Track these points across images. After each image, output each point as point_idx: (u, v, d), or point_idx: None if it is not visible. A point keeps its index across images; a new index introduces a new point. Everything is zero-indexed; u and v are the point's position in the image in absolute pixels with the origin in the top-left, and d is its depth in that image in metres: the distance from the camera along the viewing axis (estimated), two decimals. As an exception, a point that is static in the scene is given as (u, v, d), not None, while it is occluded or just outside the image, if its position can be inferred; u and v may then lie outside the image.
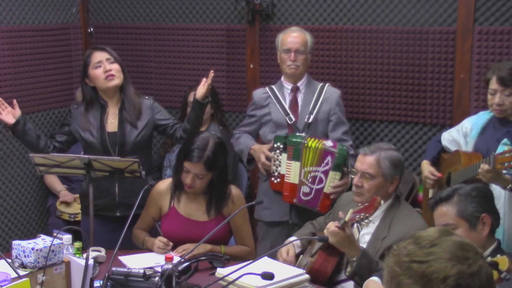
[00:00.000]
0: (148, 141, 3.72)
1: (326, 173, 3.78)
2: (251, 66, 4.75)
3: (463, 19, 4.09)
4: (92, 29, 5.20)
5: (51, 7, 4.90)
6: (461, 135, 3.59)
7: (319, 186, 3.79)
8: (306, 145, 3.78)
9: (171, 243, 3.23)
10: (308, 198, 3.83)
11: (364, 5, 4.37)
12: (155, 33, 5.07)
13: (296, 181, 3.84)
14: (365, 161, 3.09)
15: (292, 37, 3.97)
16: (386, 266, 1.73)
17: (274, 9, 4.63)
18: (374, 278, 2.70)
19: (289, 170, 3.85)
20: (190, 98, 4.50)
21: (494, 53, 4.04)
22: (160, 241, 3.23)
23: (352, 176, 3.16)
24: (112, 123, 3.65)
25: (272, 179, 3.93)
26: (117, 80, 3.60)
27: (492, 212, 2.66)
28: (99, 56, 3.60)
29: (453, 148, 3.62)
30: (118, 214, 3.63)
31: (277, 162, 3.89)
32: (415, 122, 4.34)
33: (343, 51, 4.46)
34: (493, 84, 3.37)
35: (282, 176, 3.89)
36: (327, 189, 3.77)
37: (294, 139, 3.83)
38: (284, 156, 3.86)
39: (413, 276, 1.64)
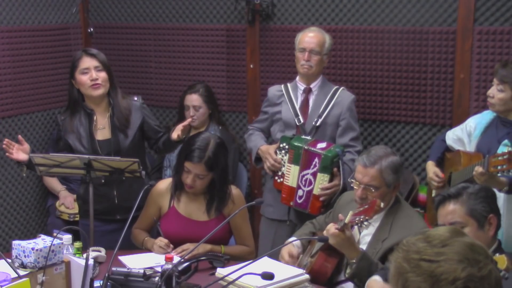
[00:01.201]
0: (141, 142, 3.71)
1: (314, 174, 3.77)
2: (251, 66, 4.75)
3: (463, 19, 4.09)
4: (92, 29, 5.20)
5: (51, 7, 4.90)
6: (465, 134, 3.59)
7: (309, 188, 3.79)
8: (307, 150, 3.76)
9: (171, 246, 3.23)
10: (301, 200, 3.83)
11: (364, 5, 4.37)
12: (155, 33, 5.07)
13: (294, 185, 3.84)
14: (367, 173, 3.01)
15: (309, 37, 3.95)
16: (393, 260, 1.71)
17: (274, 9, 4.63)
18: (376, 278, 2.69)
19: (289, 173, 3.85)
20: (187, 101, 4.52)
21: (494, 53, 4.04)
22: (161, 241, 3.23)
23: (354, 187, 3.09)
24: (102, 131, 3.62)
25: (276, 177, 3.94)
26: (102, 90, 3.58)
27: (498, 213, 2.66)
28: (88, 62, 3.56)
29: (457, 147, 3.62)
30: (118, 217, 3.62)
31: (282, 162, 3.89)
32: (415, 122, 4.34)
33: (343, 51, 4.46)
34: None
35: (284, 176, 3.90)
36: (316, 191, 3.76)
37: (295, 143, 3.81)
38: (287, 157, 3.87)
39: (421, 275, 1.64)
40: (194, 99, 4.50)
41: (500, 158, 3.05)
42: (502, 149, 3.29)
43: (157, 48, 5.07)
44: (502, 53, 4.02)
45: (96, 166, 3.32)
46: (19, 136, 3.50)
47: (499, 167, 3.05)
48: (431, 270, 1.63)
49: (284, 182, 3.87)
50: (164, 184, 3.45)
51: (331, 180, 3.74)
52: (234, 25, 4.79)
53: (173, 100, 5.02)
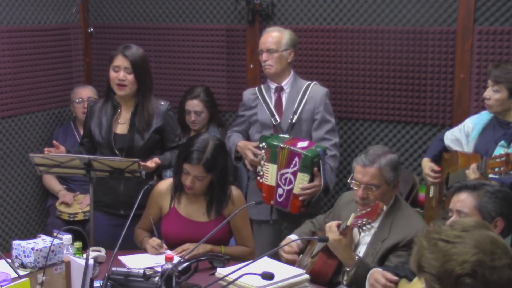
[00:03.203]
0: (157, 144, 3.72)
1: (294, 174, 3.76)
2: (251, 66, 4.75)
3: (463, 19, 4.09)
4: (92, 29, 5.20)
5: (51, 7, 4.90)
6: (463, 135, 3.60)
7: (289, 187, 3.79)
8: (283, 148, 3.76)
9: (165, 246, 3.24)
10: (281, 199, 3.83)
11: (364, 5, 4.37)
12: (155, 33, 5.06)
13: (273, 183, 3.84)
14: (367, 173, 2.99)
15: (263, 38, 3.99)
16: (417, 239, 1.82)
17: (274, 9, 4.63)
18: (378, 269, 2.72)
19: (267, 172, 3.86)
20: (188, 106, 4.51)
21: (494, 53, 4.04)
22: (154, 241, 3.23)
23: (354, 188, 3.07)
24: (122, 126, 3.67)
25: (258, 177, 3.94)
26: (127, 91, 3.63)
27: (508, 220, 2.64)
28: (120, 61, 3.61)
29: (455, 147, 3.63)
30: (122, 212, 3.65)
31: (262, 162, 3.89)
32: (415, 122, 4.34)
33: (343, 51, 4.46)
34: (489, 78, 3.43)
35: (264, 175, 3.90)
36: (296, 190, 3.76)
37: (272, 142, 3.81)
38: (265, 157, 3.87)
39: (435, 252, 1.72)
40: (195, 104, 4.49)
41: (497, 160, 3.06)
42: (499, 149, 3.30)
43: (157, 48, 5.06)
44: (502, 53, 4.02)
45: (96, 166, 3.33)
46: (54, 141, 3.57)
47: (496, 169, 3.06)
48: (445, 250, 1.70)
49: (264, 182, 3.88)
50: (165, 184, 3.44)
51: (311, 180, 3.74)
52: (234, 25, 4.79)
53: (173, 101, 4.99)
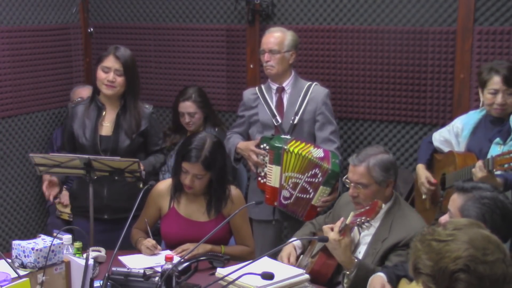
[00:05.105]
0: (140, 147, 3.71)
1: (312, 184, 3.76)
2: (251, 66, 4.75)
3: (463, 19, 4.09)
4: (92, 29, 5.20)
5: (51, 7, 4.90)
6: (452, 135, 3.59)
7: (302, 195, 3.79)
8: (287, 150, 3.76)
9: (159, 247, 3.24)
10: (288, 201, 3.83)
11: (364, 5, 4.37)
12: (155, 33, 5.07)
13: (277, 185, 3.84)
14: (356, 172, 3.02)
15: (266, 38, 3.97)
16: (412, 243, 1.85)
17: (274, 9, 4.63)
18: (381, 274, 2.71)
19: (270, 173, 3.85)
20: (181, 108, 4.46)
21: (494, 53, 4.04)
22: (149, 241, 3.23)
23: (347, 186, 3.11)
24: (107, 127, 3.65)
25: (259, 178, 3.94)
26: (114, 91, 3.60)
27: (492, 228, 2.62)
28: (111, 62, 3.59)
29: (445, 148, 3.62)
30: (106, 217, 3.63)
31: (264, 162, 3.89)
32: (415, 122, 4.34)
33: (343, 51, 4.46)
34: (495, 84, 3.37)
35: (266, 177, 3.90)
36: (316, 202, 3.77)
37: (275, 144, 3.81)
38: (268, 158, 3.87)
39: (429, 253, 1.74)
40: (188, 106, 4.45)
41: (506, 156, 3.05)
42: (495, 147, 3.30)
43: (157, 48, 5.06)
44: (502, 53, 4.02)
45: (96, 166, 3.32)
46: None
47: (505, 165, 3.04)
48: (438, 248, 1.73)
49: (267, 183, 3.88)
50: (164, 184, 3.44)
51: (331, 192, 3.78)
52: (234, 25, 4.79)
53: (172, 101, 5.01)
